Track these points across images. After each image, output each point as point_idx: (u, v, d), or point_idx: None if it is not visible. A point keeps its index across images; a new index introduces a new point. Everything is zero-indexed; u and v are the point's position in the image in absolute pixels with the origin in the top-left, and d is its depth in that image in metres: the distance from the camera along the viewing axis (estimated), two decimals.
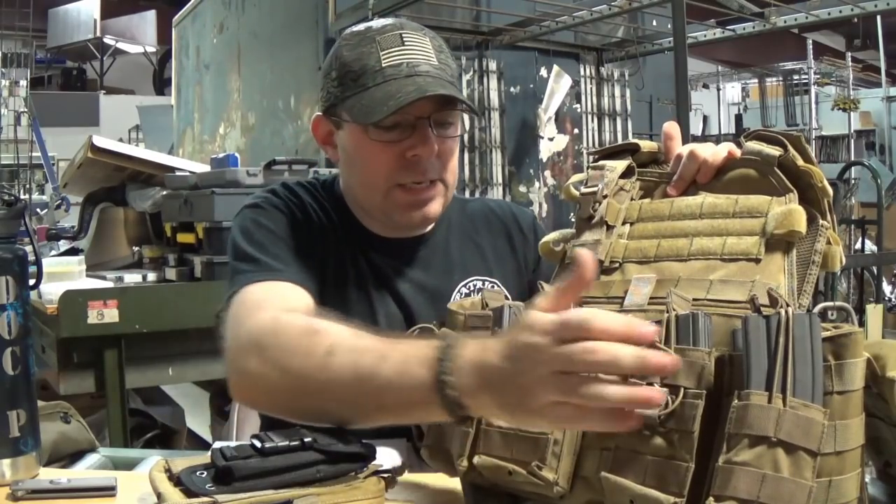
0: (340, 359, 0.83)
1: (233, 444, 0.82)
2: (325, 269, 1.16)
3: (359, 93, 1.10)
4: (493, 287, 1.24)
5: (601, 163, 0.95)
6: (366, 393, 0.82)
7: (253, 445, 0.79)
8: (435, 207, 1.17)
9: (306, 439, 0.79)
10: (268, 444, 0.79)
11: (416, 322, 1.13)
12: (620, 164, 0.93)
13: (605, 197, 0.90)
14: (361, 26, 1.17)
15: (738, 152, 0.87)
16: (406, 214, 1.16)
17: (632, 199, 0.92)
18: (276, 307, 0.99)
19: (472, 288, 1.24)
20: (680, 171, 0.90)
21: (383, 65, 1.09)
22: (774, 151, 0.83)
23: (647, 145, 0.96)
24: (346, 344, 0.85)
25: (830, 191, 0.81)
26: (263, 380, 0.92)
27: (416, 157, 1.11)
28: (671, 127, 0.96)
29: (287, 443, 0.79)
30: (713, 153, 0.88)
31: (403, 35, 1.12)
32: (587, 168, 0.97)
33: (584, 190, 0.92)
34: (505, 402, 0.70)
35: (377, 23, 1.15)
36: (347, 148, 1.17)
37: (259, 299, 1.02)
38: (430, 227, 1.26)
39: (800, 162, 0.82)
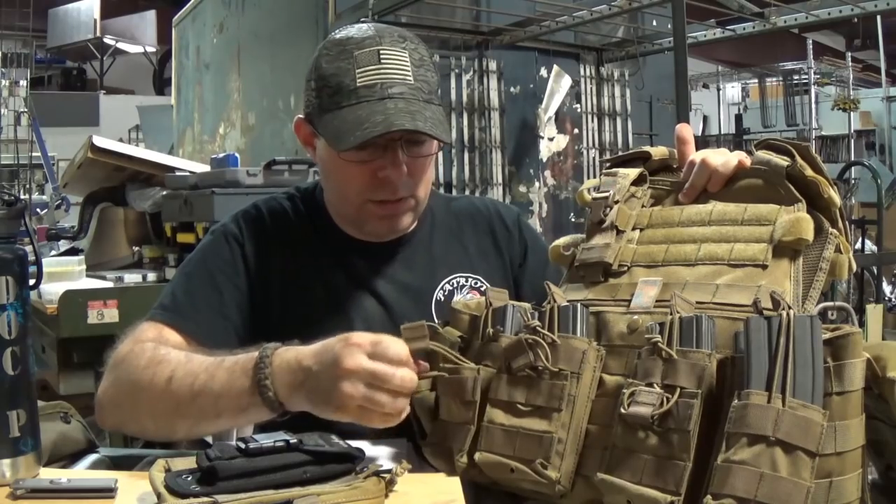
0: (178, 384, 0.99)
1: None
2: (286, 286, 1.19)
3: (333, 111, 1.10)
4: (476, 284, 1.25)
5: (614, 170, 0.96)
6: (204, 407, 0.97)
7: (238, 447, 0.79)
8: (405, 221, 1.20)
9: (291, 440, 0.80)
10: (252, 445, 0.79)
11: (398, 322, 1.11)
12: (633, 172, 0.94)
13: (616, 202, 0.91)
14: (342, 34, 1.15)
15: (748, 161, 0.88)
16: (377, 226, 1.19)
17: (643, 207, 0.93)
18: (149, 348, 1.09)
19: (455, 285, 1.24)
20: (692, 179, 0.91)
21: (357, 84, 1.09)
22: (783, 162, 0.84)
23: (658, 153, 0.97)
24: (181, 370, 1.00)
25: (838, 200, 0.81)
26: (117, 409, 1.07)
27: (386, 177, 1.12)
28: (685, 130, 0.96)
29: (272, 443, 0.79)
30: (724, 162, 0.89)
31: (381, 52, 1.10)
32: (601, 174, 0.98)
33: (595, 195, 0.93)
34: (315, 398, 0.89)
35: (358, 32, 1.13)
36: (324, 159, 1.18)
37: (145, 338, 1.13)
38: (410, 227, 1.26)
39: (808, 172, 0.82)
